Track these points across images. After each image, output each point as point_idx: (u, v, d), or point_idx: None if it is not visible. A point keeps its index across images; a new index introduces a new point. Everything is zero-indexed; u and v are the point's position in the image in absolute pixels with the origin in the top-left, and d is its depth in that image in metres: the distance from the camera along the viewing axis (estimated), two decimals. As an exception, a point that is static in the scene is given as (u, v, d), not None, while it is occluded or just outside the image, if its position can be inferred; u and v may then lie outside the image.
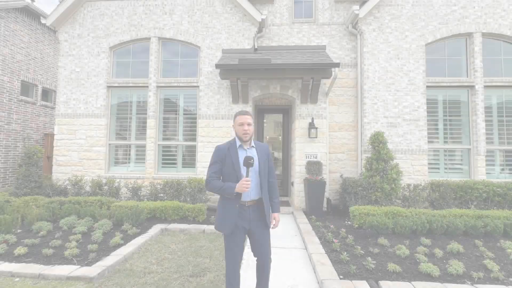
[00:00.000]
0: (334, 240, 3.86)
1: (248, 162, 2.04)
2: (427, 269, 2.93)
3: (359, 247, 3.50)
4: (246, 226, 2.12)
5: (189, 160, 6.61)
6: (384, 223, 4.10)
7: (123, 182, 6.28)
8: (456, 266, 3.00)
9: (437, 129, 6.34)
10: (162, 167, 6.64)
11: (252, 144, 2.28)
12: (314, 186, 5.52)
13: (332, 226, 4.58)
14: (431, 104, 6.32)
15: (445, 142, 6.32)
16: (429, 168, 6.13)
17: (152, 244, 3.91)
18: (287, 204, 6.66)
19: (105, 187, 5.92)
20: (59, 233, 4.01)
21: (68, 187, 6.06)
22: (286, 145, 7.57)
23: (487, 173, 6.07)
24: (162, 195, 5.80)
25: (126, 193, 5.98)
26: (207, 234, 4.40)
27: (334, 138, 6.53)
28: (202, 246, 3.89)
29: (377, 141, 5.51)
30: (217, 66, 5.62)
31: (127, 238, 3.95)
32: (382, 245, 3.77)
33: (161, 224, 4.71)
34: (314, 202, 5.53)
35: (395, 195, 5.28)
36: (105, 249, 3.53)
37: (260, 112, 7.61)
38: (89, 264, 3.12)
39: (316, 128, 5.96)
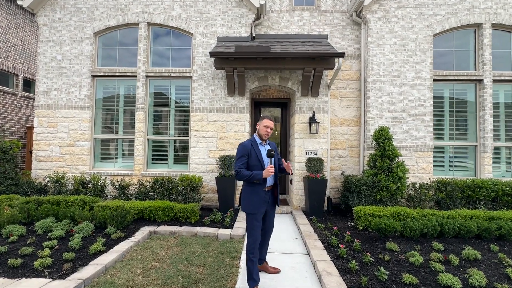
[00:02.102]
0: (340, 245, 3.53)
1: (271, 153, 2.60)
2: (447, 280, 2.61)
3: (368, 254, 3.17)
4: (265, 206, 2.74)
5: (182, 156, 6.19)
6: (393, 226, 3.79)
7: (109, 179, 5.84)
8: (477, 276, 2.70)
9: (442, 125, 6.05)
10: (152, 163, 6.20)
11: (267, 142, 2.87)
12: (315, 185, 5.18)
13: (335, 228, 4.25)
14: (436, 99, 6.01)
15: (451, 138, 6.04)
16: (433, 165, 5.85)
17: (138, 250, 3.50)
18: (285, 202, 6.32)
19: (89, 185, 5.46)
20: (32, 238, 3.56)
21: (49, 184, 5.58)
22: (284, 140, 7.20)
23: (493, 171, 5.83)
24: (151, 193, 5.38)
25: (113, 191, 5.53)
26: (200, 238, 4.01)
27: (335, 134, 6.19)
28: (195, 252, 3.51)
29: (382, 137, 5.18)
30: (211, 54, 5.16)
31: (110, 244, 3.53)
32: (391, 251, 3.46)
33: (149, 226, 4.30)
34: (315, 202, 5.20)
35: (401, 195, 4.98)
36: (83, 258, 3.12)
37: (257, 105, 7.20)
38: (63, 276, 2.70)
39: (317, 122, 5.59)
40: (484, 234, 3.86)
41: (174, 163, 6.22)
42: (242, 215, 5.10)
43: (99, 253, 3.24)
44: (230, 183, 5.29)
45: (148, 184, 5.43)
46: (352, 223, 4.77)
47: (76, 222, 4.05)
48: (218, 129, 5.86)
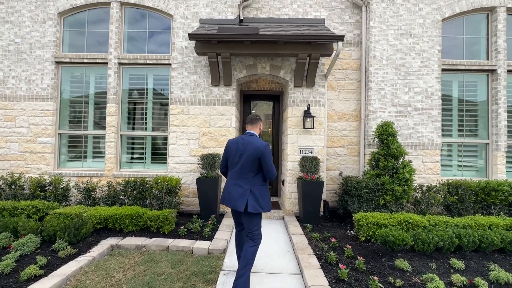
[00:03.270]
0: (340, 264, 2.89)
1: None
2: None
3: (375, 278, 2.54)
4: None
5: (161, 154, 5.48)
6: (402, 238, 3.16)
7: (77, 181, 5.10)
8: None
9: (450, 120, 5.46)
10: (127, 162, 5.48)
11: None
12: (310, 187, 4.54)
13: (333, 239, 3.61)
14: (444, 91, 5.41)
15: (459, 135, 5.45)
16: (440, 165, 5.26)
17: (89, 273, 2.80)
18: (277, 206, 5.66)
19: (50, 187, 4.72)
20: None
21: (4, 187, 4.81)
22: (276, 137, 6.54)
23: (506, 171, 5.27)
24: (122, 198, 4.66)
25: (77, 195, 4.80)
26: (172, 253, 3.33)
27: (332, 130, 5.55)
28: (161, 273, 2.83)
29: (386, 133, 4.56)
30: (191, 36, 4.45)
31: (54, 264, 2.83)
32: (402, 271, 2.83)
33: (112, 239, 3.60)
34: (309, 206, 4.56)
35: (407, 199, 4.37)
36: (11, 287, 2.41)
37: (247, 99, 6.52)
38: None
39: (313, 117, 4.94)
40: (509, 247, 3.27)
41: (151, 163, 5.51)
42: (226, 223, 4.43)
43: (34, 278, 2.54)
44: (213, 186, 4.61)
45: (118, 186, 4.71)
46: (352, 232, 4.14)
47: (18, 235, 3.32)
48: (201, 124, 5.16)
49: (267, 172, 2.49)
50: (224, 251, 3.42)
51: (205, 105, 5.17)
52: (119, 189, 4.67)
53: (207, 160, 4.67)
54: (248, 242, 2.50)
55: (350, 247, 3.32)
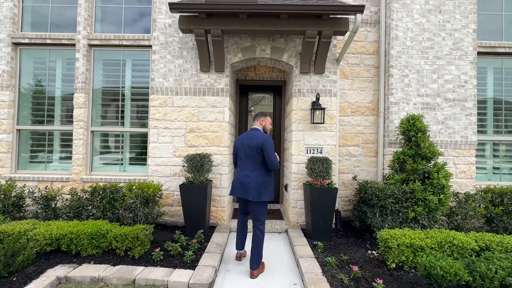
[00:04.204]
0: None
1: None
2: None
3: None
4: None
5: (141, 154, 4.59)
6: (455, 272, 2.29)
7: (37, 187, 4.22)
8: None
9: (484, 113, 4.59)
10: (100, 164, 4.59)
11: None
12: (320, 196, 3.67)
13: (355, 268, 2.73)
14: (478, 79, 4.54)
15: (496, 132, 4.59)
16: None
17: (9, 329, 1.93)
18: (278, 215, 4.79)
19: (1, 195, 3.83)
20: None
21: None
22: (277, 135, 5.66)
23: (553, 175, 4.42)
24: (90, 208, 3.78)
25: (34, 205, 3.91)
26: (139, 289, 2.46)
27: (345, 125, 4.67)
28: (115, 327, 1.95)
29: (414, 128, 3.69)
30: (172, 7, 3.55)
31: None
32: (464, 325, 1.97)
33: (62, 267, 2.72)
34: (320, 219, 3.69)
35: (442, 210, 3.50)
36: None
37: (243, 90, 5.63)
38: None
39: (323, 109, 4.06)
40: None
41: (130, 164, 4.62)
42: (216, 240, 3.56)
43: None
44: (200, 193, 3.73)
45: (84, 194, 3.82)
46: (374, 253, 3.28)
47: None
48: (188, 118, 4.27)
49: (268, 161, 2.72)
50: (211, 285, 2.54)
51: (192, 95, 4.28)
52: (84, 197, 3.78)
53: (193, 162, 3.79)
54: (254, 232, 2.77)
55: (382, 281, 2.45)
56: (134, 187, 3.61)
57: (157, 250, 2.98)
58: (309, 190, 3.73)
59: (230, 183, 4.56)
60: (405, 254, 2.79)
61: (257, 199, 2.68)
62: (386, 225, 3.48)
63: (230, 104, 4.43)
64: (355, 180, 4.57)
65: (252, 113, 5.83)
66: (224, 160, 4.25)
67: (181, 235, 3.51)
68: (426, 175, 3.57)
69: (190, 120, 4.27)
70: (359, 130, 4.66)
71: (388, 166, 4.07)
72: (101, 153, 4.60)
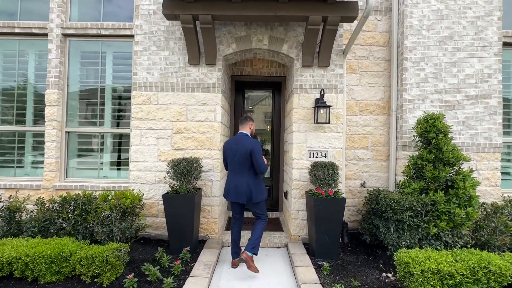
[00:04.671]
0: None
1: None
2: None
3: None
4: None
5: (123, 158, 4.09)
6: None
7: (5, 195, 3.72)
8: None
9: (508, 112, 4.09)
10: (77, 169, 4.08)
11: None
12: (326, 208, 3.16)
13: (371, 300, 2.23)
14: (504, 74, 4.03)
15: (521, 133, 4.09)
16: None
17: None
18: (277, 226, 4.29)
19: (-43, 206, 3.32)
20: None
21: None
22: (276, 136, 5.16)
23: None
24: (60, 221, 3.27)
25: (-5, 217, 3.40)
26: (101, 332, 1.94)
27: (352, 125, 4.17)
28: None
29: (434, 129, 3.19)
30: (153, -13, 3.05)
31: None
32: None
33: (11, 300, 2.21)
34: (325, 234, 3.18)
35: (469, 225, 3.00)
36: None
37: (239, 87, 5.13)
38: None
39: (328, 107, 3.55)
40: None
41: (111, 169, 4.12)
42: (205, 260, 3.05)
43: None
44: (188, 204, 3.23)
45: (53, 205, 3.31)
46: (390, 275, 2.78)
47: None
48: (175, 117, 3.77)
49: (257, 167, 2.84)
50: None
51: (180, 92, 3.78)
52: (54, 208, 3.27)
53: (179, 167, 3.28)
54: (257, 221, 2.99)
55: (406, 323, 1.94)
56: (110, 197, 3.10)
57: (131, 276, 2.47)
58: (312, 200, 3.22)
59: (221, 191, 4.07)
60: (431, 283, 2.29)
61: (255, 200, 2.86)
62: (403, 243, 2.98)
63: (223, 102, 3.93)
64: (364, 187, 4.06)
65: (252, 113, 5.35)
66: (215, 165, 3.75)
67: (163, 254, 3.00)
68: (449, 183, 3.07)
69: (177, 120, 3.77)
70: (368, 131, 4.15)
71: (402, 172, 3.56)
72: (78, 156, 4.10)
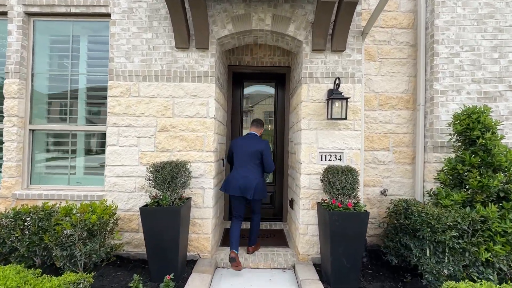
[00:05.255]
0: None
1: None
2: None
3: None
4: None
5: (101, 161, 3.44)
6: None
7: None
8: None
9: (554, 107, 3.44)
10: (46, 174, 3.45)
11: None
12: (344, 224, 2.52)
13: None
14: (550, 62, 3.39)
15: None
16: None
17: None
18: (281, 240, 3.65)
19: None
20: None
21: None
22: (279, 135, 4.52)
23: None
24: (13, 240, 2.62)
25: None
26: None
27: (370, 122, 3.53)
28: None
29: (479, 126, 2.55)
30: None
31: None
32: None
33: None
34: (343, 257, 2.55)
35: (528, 248, 2.35)
36: None
37: (237, 79, 4.50)
38: None
39: (345, 99, 2.91)
40: None
41: (85, 174, 3.48)
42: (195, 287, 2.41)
43: None
44: (172, 219, 2.59)
45: (5, 220, 2.66)
46: (430, 315, 2.13)
47: None
48: (159, 112, 3.13)
49: (266, 165, 3.08)
50: None
51: (165, 81, 3.14)
52: (5, 224, 2.63)
53: (162, 173, 2.64)
54: (252, 217, 3.24)
55: None
56: (70, 211, 2.46)
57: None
58: (327, 214, 2.58)
59: (217, 200, 3.43)
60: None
61: (258, 197, 3.00)
62: (445, 270, 2.33)
63: (217, 94, 3.29)
64: (385, 195, 3.43)
65: (252, 112, 4.72)
66: (208, 169, 3.11)
67: (140, 284, 2.36)
68: (502, 194, 2.43)
69: (162, 115, 3.13)
70: (389, 129, 3.51)
71: (435, 178, 2.92)
72: (47, 160, 3.46)
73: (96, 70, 3.45)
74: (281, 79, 4.47)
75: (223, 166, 3.97)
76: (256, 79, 4.58)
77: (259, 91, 4.71)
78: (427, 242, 2.44)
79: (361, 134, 3.15)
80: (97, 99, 3.48)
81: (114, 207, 2.72)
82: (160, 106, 3.13)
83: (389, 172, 3.50)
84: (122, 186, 3.13)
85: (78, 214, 2.39)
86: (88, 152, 3.49)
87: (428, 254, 2.43)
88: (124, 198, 3.12)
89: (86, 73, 3.46)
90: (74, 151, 3.44)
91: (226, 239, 3.71)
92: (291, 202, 3.79)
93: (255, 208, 3.21)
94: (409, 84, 3.50)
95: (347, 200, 2.67)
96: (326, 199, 2.86)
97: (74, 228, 2.39)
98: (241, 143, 3.15)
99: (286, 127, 4.40)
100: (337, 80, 2.93)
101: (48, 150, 3.47)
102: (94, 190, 3.29)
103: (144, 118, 3.13)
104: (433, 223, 2.34)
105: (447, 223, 2.31)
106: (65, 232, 2.41)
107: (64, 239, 2.39)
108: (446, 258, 2.37)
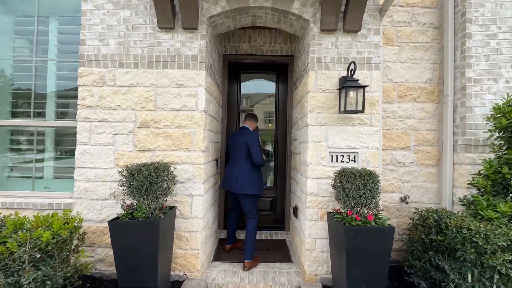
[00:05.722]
0: None
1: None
2: None
3: None
4: None
5: (72, 163, 2.93)
6: None
7: None
8: None
9: None
10: (9, 178, 2.95)
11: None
12: (364, 240, 2.02)
13: None
14: None
15: None
16: None
17: None
18: (283, 253, 3.14)
19: None
20: None
21: None
22: (281, 131, 4.01)
23: None
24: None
25: None
26: None
27: (387, 117, 3.02)
28: None
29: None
30: None
31: None
32: None
33: None
34: (362, 281, 2.04)
35: None
36: None
37: (233, 70, 4.00)
38: None
39: (362, 87, 2.40)
40: None
41: (55, 178, 2.98)
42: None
43: None
44: (151, 233, 2.08)
45: None
46: None
47: None
48: (139, 104, 2.63)
49: (253, 157, 2.89)
50: None
51: (146, 68, 2.64)
52: None
53: (137, 178, 2.14)
54: (247, 222, 2.92)
55: None
56: (17, 225, 1.96)
57: None
58: (341, 229, 2.08)
59: (208, 208, 2.93)
60: None
61: (240, 191, 2.83)
62: (494, 303, 1.82)
63: (208, 84, 2.78)
64: (406, 203, 2.92)
65: (252, 111, 4.23)
66: (197, 172, 2.60)
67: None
68: None
69: (143, 108, 2.63)
70: (410, 125, 3.00)
71: (469, 183, 2.42)
72: (11, 160, 2.96)
73: (67, 56, 2.95)
74: (283, 70, 3.97)
75: (217, 168, 3.47)
76: (255, 70, 4.07)
77: (259, 86, 4.21)
78: (469, 265, 1.93)
79: (379, 131, 2.64)
80: (69, 90, 2.98)
81: (79, 219, 2.21)
82: (140, 97, 2.63)
83: (410, 176, 2.99)
84: (94, 193, 2.63)
85: (26, 231, 1.88)
86: (59, 152, 2.99)
87: (470, 280, 1.93)
88: (96, 206, 2.62)
89: (56, 59, 2.97)
90: (42, 151, 2.94)
91: (220, 252, 3.21)
92: (295, 210, 3.28)
93: (247, 209, 2.93)
94: (433, 72, 3.00)
95: (365, 211, 2.17)
96: (338, 209, 2.36)
97: (23, 247, 1.88)
98: (233, 137, 3.11)
99: (289, 124, 3.90)
100: (353, 64, 2.42)
101: (12, 150, 2.97)
102: (63, 197, 2.79)
103: (121, 111, 2.63)
104: (480, 242, 1.83)
105: (498, 243, 1.80)
106: (12, 255, 1.90)
107: (10, 262, 1.88)
108: (493, 284, 1.86)
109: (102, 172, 2.63)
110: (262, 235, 3.78)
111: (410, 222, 2.68)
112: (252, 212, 2.93)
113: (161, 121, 2.62)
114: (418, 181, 2.98)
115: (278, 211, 4.01)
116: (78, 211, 2.60)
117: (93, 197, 2.63)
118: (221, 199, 3.84)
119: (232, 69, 3.97)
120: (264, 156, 3.05)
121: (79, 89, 2.65)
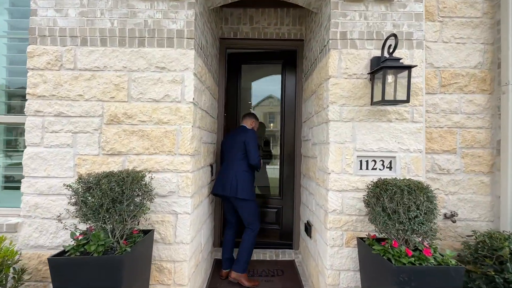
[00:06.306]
0: None
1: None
2: None
3: None
4: None
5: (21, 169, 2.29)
6: None
7: None
8: None
9: None
10: None
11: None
12: (422, 284, 1.37)
13: None
14: None
15: None
16: None
17: None
18: (292, 282, 2.50)
19: None
20: None
21: None
22: (288, 130, 3.38)
23: None
24: None
25: None
26: None
27: (426, 112, 2.39)
28: None
29: None
30: None
31: None
32: None
33: None
34: None
35: None
36: None
37: (233, 60, 3.40)
38: None
39: (407, 68, 1.76)
40: None
41: (5, 189, 2.34)
42: None
43: None
44: (112, 274, 1.43)
45: None
46: None
47: None
48: (107, 93, 1.99)
49: (249, 157, 2.60)
50: None
51: (117, 46, 2.00)
52: None
53: (95, 194, 1.49)
54: (245, 231, 2.60)
55: None
56: None
57: None
58: (387, 269, 1.44)
59: (198, 228, 2.29)
60: None
61: (234, 195, 2.51)
62: None
63: (199, 67, 2.15)
64: (453, 221, 2.28)
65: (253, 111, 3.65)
66: (183, 183, 1.96)
67: None
68: None
69: (112, 99, 1.99)
70: (456, 121, 2.37)
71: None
72: None
73: (24, 34, 2.32)
74: (291, 58, 3.34)
75: (212, 175, 2.84)
76: (258, 59, 3.47)
77: (262, 86, 3.61)
78: None
79: (423, 128, 2.01)
80: (22, 77, 2.34)
81: (9, 252, 1.57)
82: (109, 84, 1.99)
83: (456, 186, 2.35)
84: (47, 210, 1.98)
85: None
86: (10, 155, 2.35)
87: None
88: (50, 228, 1.98)
89: (7, 36, 2.33)
90: (-13, 154, 2.31)
91: (215, 280, 2.57)
92: (308, 227, 2.64)
93: (243, 217, 2.60)
94: (484, 54, 2.37)
95: (418, 242, 1.53)
96: (374, 235, 1.72)
97: None
98: (228, 137, 2.82)
99: (298, 122, 3.26)
100: (393, 38, 1.79)
101: (-51, 153, 2.33)
102: (9, 215, 2.15)
103: (84, 103, 1.99)
104: None
105: None
106: None
107: None
108: None
109: (58, 182, 1.98)
110: (266, 254, 3.14)
111: (460, 248, 2.05)
112: (251, 221, 2.59)
113: (136, 116, 1.98)
114: (467, 193, 2.35)
115: (285, 225, 3.38)
116: (25, 234, 1.96)
117: (46, 216, 1.98)
118: (217, 210, 3.20)
119: (232, 60, 3.40)
120: (261, 160, 2.74)
121: (28, 74, 2.01)
